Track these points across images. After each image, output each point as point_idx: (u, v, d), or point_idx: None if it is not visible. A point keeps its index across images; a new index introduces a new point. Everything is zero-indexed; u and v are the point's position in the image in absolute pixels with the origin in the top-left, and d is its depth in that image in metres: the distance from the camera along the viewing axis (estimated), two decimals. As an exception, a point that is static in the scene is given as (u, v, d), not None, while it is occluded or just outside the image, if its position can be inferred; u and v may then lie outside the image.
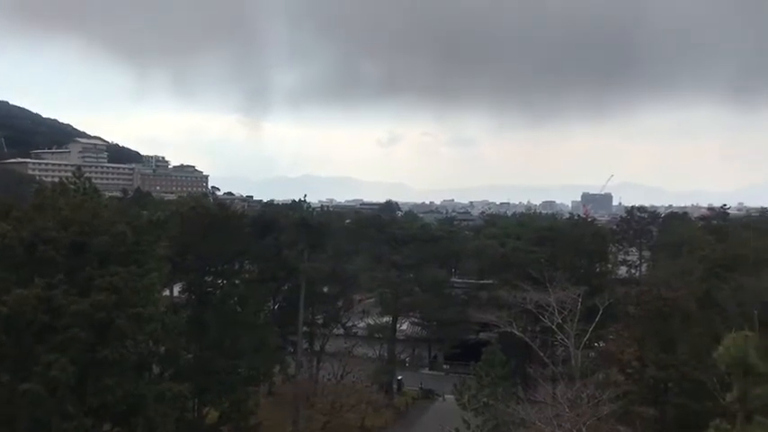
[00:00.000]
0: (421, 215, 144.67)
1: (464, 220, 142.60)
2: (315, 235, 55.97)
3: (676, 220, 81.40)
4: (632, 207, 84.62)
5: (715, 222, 72.96)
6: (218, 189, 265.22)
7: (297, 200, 64.92)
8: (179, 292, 45.92)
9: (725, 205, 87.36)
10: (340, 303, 62.62)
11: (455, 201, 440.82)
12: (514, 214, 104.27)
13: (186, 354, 39.37)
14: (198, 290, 42.89)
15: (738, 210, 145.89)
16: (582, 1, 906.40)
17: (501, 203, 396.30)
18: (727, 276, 45.62)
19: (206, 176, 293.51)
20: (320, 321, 60.54)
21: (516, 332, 42.45)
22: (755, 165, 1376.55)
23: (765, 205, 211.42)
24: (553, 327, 40.94)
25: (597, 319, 42.34)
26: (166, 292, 43.08)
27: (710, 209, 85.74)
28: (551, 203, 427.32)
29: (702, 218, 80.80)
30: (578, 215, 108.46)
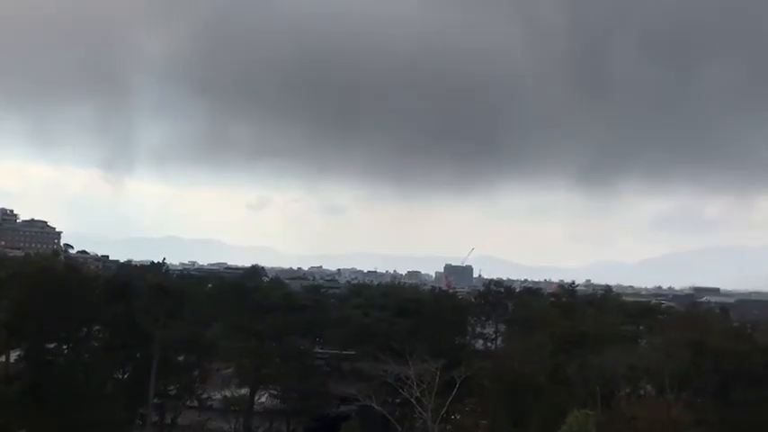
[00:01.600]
0: (287, 281, 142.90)
1: (331, 287, 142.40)
2: (172, 300, 53.55)
3: (530, 295, 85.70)
4: (490, 281, 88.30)
5: (564, 299, 77.59)
6: (72, 247, 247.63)
7: (156, 261, 62.14)
8: (15, 359, 42.04)
9: (573, 282, 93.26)
10: (196, 373, 59.70)
11: (323, 267, 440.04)
12: (380, 284, 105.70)
13: (20, 429, 35.85)
14: (37, 358, 39.48)
15: (585, 286, 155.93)
16: (457, 92, 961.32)
17: (368, 271, 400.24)
18: (574, 352, 48.34)
19: (59, 233, 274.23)
20: (173, 392, 57.29)
21: (375, 406, 42.33)
22: (599, 245, 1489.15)
23: (609, 282, 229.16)
24: (412, 400, 41.28)
25: (454, 393, 43.16)
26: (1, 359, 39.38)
27: (560, 285, 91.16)
28: (417, 273, 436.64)
29: (553, 294, 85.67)
30: (439, 287, 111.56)
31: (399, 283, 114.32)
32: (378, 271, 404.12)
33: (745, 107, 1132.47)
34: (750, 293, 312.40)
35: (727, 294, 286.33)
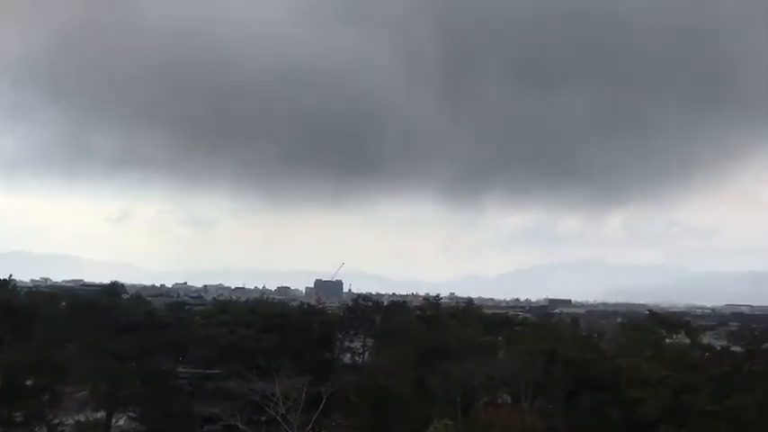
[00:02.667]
0: (150, 298, 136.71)
1: (196, 304, 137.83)
2: (19, 319, 49.92)
3: (397, 308, 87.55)
4: (358, 295, 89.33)
5: (429, 312, 79.90)
6: None
7: (2, 278, 57.72)
8: None
9: (438, 295, 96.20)
10: (46, 398, 55.72)
11: (188, 284, 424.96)
12: (248, 300, 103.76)
13: None
14: None
15: (450, 299, 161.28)
16: (327, 101, 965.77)
17: (236, 288, 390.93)
18: (437, 364, 50.04)
19: None
20: (19, 419, 53.11)
21: (240, 425, 41.64)
22: (465, 258, 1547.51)
23: (472, 295, 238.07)
24: (278, 417, 40.98)
25: (320, 408, 43.30)
26: None
27: (425, 298, 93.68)
28: (286, 289, 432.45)
29: (418, 307, 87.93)
30: (306, 303, 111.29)
31: (267, 299, 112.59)
32: (246, 287, 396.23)
33: (598, 132, 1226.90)
34: (598, 304, 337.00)
35: (578, 305, 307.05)
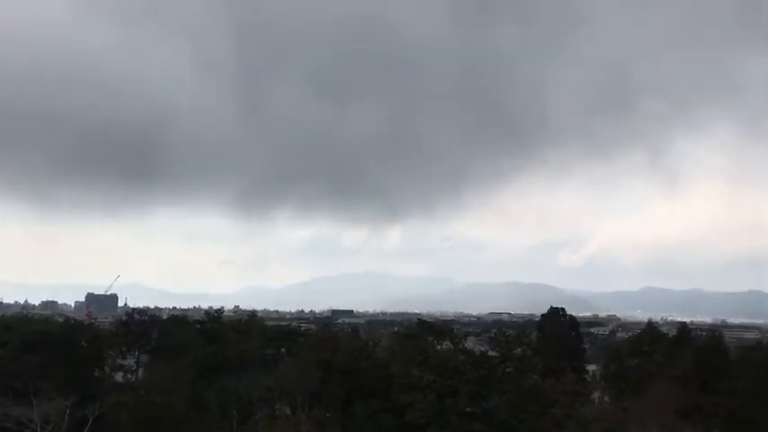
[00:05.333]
0: None
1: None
2: None
3: (176, 322, 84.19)
4: (133, 310, 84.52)
5: (210, 325, 78.01)
6: None
7: None
8: None
9: (221, 308, 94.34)
10: None
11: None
12: (4, 316, 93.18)
13: None
14: None
15: (234, 312, 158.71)
16: (106, 103, 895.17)
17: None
18: (215, 378, 49.28)
19: None
20: None
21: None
22: (251, 271, 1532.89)
23: (258, 307, 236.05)
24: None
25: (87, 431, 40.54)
26: None
27: (208, 312, 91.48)
28: (53, 303, 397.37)
29: (198, 321, 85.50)
30: (73, 318, 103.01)
31: (29, 314, 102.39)
32: (4, 302, 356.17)
33: (384, 149, 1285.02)
34: (378, 314, 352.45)
35: (360, 316, 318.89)
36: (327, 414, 52.40)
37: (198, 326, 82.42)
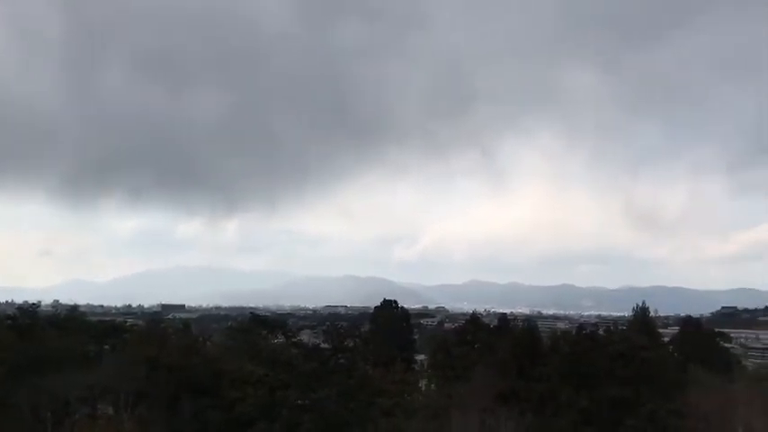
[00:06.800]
0: None
1: None
2: None
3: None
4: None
5: (22, 321, 72.12)
6: None
7: None
8: None
9: (37, 302, 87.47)
10: None
11: None
12: None
13: None
14: None
15: (53, 307, 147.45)
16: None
17: None
18: (28, 378, 45.78)
19: None
20: None
21: None
22: (73, 263, 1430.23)
23: (81, 302, 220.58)
24: None
25: None
26: None
27: (21, 307, 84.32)
28: None
29: (9, 316, 78.72)
30: None
31: None
32: None
33: (224, 139, 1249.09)
34: (211, 309, 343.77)
35: (192, 310, 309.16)
36: (152, 413, 50.57)
37: (9, 321, 75.96)
